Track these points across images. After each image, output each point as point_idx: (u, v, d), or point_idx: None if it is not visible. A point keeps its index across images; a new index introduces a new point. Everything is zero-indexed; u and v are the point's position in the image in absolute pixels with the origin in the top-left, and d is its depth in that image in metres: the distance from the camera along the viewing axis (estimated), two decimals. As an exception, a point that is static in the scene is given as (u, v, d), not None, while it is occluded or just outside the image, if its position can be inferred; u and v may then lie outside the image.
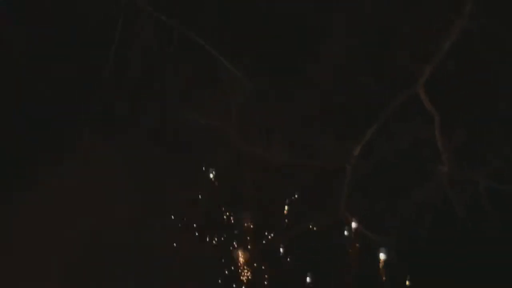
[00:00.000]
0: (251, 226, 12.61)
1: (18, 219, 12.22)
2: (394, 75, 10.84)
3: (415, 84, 10.36)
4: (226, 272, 12.58)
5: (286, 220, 12.59)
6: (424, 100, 10.37)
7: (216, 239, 12.72)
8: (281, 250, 12.45)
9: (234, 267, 12.57)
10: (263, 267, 12.52)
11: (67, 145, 12.40)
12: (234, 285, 12.48)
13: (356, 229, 11.62)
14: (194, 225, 12.70)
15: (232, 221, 12.77)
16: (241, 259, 12.57)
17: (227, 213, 12.72)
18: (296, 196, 12.46)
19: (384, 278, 11.93)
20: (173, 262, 12.26)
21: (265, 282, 12.50)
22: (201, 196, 12.61)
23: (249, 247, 12.52)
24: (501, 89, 10.90)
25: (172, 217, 12.66)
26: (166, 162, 12.30)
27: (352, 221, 11.53)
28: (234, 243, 12.71)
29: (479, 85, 10.90)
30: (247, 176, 11.97)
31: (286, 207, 12.52)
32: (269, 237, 12.67)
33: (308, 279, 12.33)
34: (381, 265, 11.85)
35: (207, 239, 12.74)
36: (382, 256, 11.73)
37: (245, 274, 12.43)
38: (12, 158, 12.42)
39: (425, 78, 10.32)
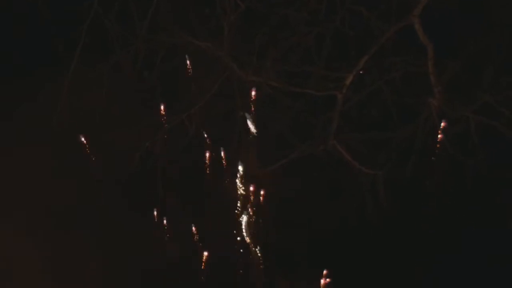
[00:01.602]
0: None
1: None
2: (389, 4, 10.74)
3: (410, 14, 10.24)
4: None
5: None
6: (418, 30, 10.27)
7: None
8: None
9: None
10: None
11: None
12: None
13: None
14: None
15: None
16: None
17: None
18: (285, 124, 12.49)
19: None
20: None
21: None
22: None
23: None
24: (495, 21, 10.86)
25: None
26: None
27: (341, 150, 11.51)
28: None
29: (473, 17, 10.85)
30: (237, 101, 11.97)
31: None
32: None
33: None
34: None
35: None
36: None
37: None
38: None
39: (420, 8, 10.19)
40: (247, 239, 12.36)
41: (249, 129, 12.18)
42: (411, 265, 12.52)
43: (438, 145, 11.66)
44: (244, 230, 12.32)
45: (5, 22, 13.01)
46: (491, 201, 12.23)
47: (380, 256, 12.59)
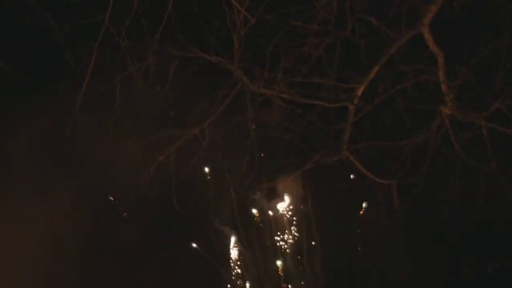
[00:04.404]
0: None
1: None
2: (398, 13, 10.74)
3: (419, 23, 10.24)
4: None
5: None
6: (428, 40, 10.27)
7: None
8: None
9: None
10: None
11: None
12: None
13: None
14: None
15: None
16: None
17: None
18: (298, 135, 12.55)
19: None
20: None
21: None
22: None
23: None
24: (506, 30, 10.85)
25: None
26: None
27: (354, 161, 11.54)
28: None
29: (483, 25, 10.84)
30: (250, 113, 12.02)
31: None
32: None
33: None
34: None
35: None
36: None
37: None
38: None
39: (430, 17, 10.20)
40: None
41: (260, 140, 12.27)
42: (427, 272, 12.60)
43: (451, 152, 11.70)
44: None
45: (16, 37, 13.15)
46: (504, 206, 12.27)
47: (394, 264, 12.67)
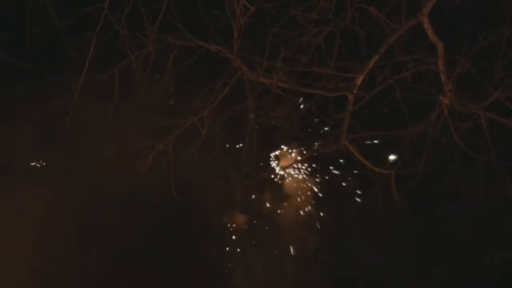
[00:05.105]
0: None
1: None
2: (398, 3, 10.72)
3: (419, 13, 10.21)
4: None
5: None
6: (428, 29, 10.25)
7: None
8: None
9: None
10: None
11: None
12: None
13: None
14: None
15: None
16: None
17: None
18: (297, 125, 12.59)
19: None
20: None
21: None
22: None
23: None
24: (506, 20, 10.84)
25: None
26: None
27: (352, 151, 11.53)
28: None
29: (483, 15, 10.83)
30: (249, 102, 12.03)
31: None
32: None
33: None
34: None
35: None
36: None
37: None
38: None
39: (430, 7, 10.17)
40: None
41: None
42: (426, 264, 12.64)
43: (449, 142, 11.70)
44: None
45: (15, 26, 13.12)
46: (504, 197, 12.27)
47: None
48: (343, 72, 11.17)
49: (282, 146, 13.01)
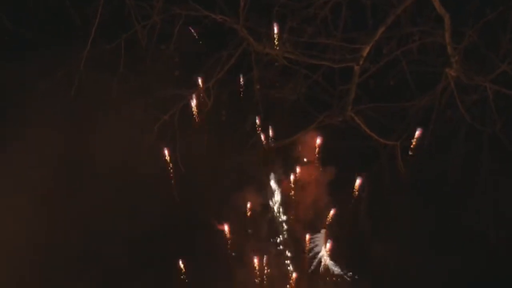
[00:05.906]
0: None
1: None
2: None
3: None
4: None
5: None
6: (435, 1, 10.19)
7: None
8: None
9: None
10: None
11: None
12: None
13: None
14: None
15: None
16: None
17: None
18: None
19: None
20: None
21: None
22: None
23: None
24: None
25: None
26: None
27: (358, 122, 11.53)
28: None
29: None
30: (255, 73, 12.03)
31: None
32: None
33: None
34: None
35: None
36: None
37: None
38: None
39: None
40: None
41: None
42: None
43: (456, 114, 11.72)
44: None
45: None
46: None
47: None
48: (350, 43, 11.14)
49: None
